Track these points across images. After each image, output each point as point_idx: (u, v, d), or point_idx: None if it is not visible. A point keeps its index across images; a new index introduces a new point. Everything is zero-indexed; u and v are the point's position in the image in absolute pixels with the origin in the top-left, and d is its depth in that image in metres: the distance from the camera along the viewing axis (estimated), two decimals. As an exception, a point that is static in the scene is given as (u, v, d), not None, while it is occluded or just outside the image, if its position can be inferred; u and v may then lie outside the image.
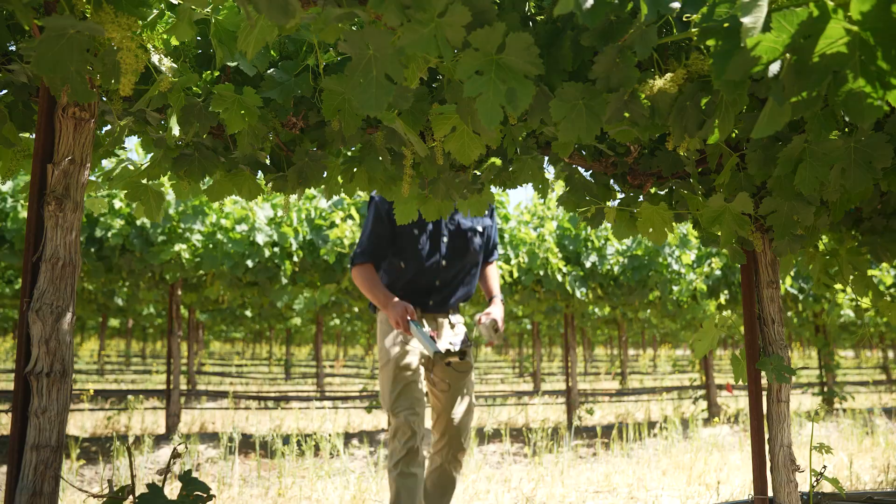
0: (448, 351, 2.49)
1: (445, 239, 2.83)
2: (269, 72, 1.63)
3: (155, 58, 1.49)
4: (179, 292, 6.52)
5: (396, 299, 2.65)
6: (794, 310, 8.98)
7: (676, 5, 1.14)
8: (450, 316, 2.91)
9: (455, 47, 1.16)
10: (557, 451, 5.65)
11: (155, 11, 1.45)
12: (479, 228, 2.91)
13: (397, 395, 2.72)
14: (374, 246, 2.76)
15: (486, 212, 2.66)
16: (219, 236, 5.70)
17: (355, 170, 2.13)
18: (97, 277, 6.09)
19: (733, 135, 1.76)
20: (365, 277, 2.74)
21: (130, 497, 1.43)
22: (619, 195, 2.29)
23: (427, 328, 2.59)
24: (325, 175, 2.10)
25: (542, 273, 6.64)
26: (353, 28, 1.37)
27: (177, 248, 5.51)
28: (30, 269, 1.44)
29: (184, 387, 11.16)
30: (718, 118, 1.34)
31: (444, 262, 2.83)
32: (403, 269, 2.80)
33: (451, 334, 2.77)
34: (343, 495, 4.02)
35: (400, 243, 2.79)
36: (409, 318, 2.59)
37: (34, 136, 1.61)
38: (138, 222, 5.52)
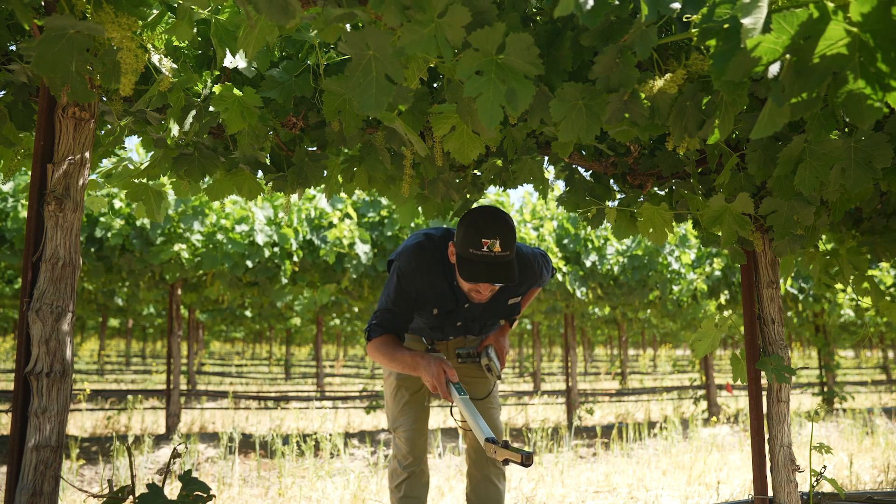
0: (506, 444, 1.89)
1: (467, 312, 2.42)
2: (269, 72, 1.63)
3: (155, 58, 1.49)
4: (179, 292, 6.52)
5: (429, 356, 2.18)
6: (794, 310, 8.98)
7: (677, 6, 1.14)
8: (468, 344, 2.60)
9: (455, 47, 1.16)
10: (557, 451, 5.65)
11: (155, 11, 1.45)
12: (518, 295, 2.47)
13: (399, 410, 2.52)
14: (390, 316, 2.32)
15: (539, 272, 2.45)
16: (219, 236, 5.70)
17: (355, 170, 2.13)
18: (97, 277, 6.10)
19: (733, 135, 1.76)
20: (383, 348, 2.28)
21: (130, 497, 1.43)
22: (619, 195, 2.29)
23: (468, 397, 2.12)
24: (325, 175, 2.10)
25: (542, 273, 6.62)
26: (353, 28, 1.37)
27: (177, 248, 5.51)
28: (30, 269, 1.44)
29: (184, 387, 11.16)
30: (718, 118, 1.34)
31: (459, 324, 2.47)
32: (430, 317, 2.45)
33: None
34: (343, 495, 4.02)
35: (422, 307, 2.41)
36: (448, 380, 2.14)
37: (34, 135, 1.61)
38: (138, 222, 5.52)
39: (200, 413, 8.10)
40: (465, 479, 2.71)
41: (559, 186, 9.30)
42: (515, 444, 6.18)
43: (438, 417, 7.59)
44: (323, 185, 2.15)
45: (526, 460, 1.79)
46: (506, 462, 1.89)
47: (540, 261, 2.50)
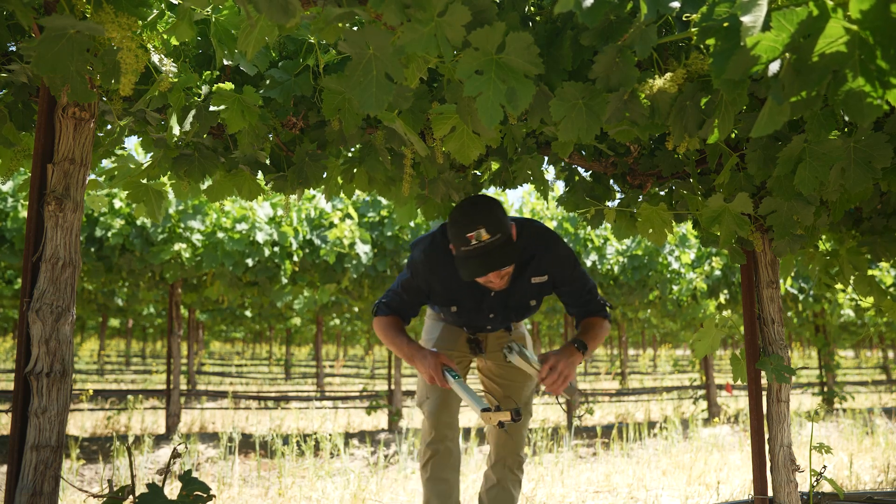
0: (498, 408, 2.08)
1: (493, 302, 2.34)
2: (269, 71, 1.63)
3: (155, 58, 1.49)
4: (179, 292, 6.52)
5: (425, 349, 2.25)
6: (794, 310, 8.98)
7: (676, 5, 1.14)
8: (512, 339, 2.45)
9: (455, 47, 1.16)
10: (557, 450, 5.65)
11: (155, 11, 1.45)
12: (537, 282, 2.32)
13: (426, 386, 2.47)
14: (399, 300, 2.35)
15: (553, 242, 2.27)
16: (219, 235, 5.71)
17: (355, 170, 2.13)
18: (97, 277, 6.09)
19: (733, 135, 1.76)
20: (385, 328, 2.34)
21: (130, 497, 1.43)
22: (619, 195, 2.29)
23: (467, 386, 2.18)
24: (325, 175, 2.10)
25: (542, 273, 6.62)
26: (353, 28, 1.37)
27: (177, 247, 5.51)
28: (30, 269, 1.44)
29: (184, 387, 11.16)
30: (718, 118, 1.34)
31: (492, 315, 2.39)
32: (454, 312, 2.42)
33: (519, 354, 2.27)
34: (343, 495, 4.02)
35: (445, 298, 2.36)
36: (443, 369, 2.19)
37: (34, 135, 1.61)
38: (138, 222, 5.52)
39: (200, 413, 8.09)
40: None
41: (559, 186, 9.30)
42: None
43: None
44: (323, 186, 2.15)
45: (515, 416, 2.03)
46: (501, 424, 2.06)
47: (556, 239, 2.31)
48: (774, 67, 0.99)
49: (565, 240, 6.95)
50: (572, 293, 2.35)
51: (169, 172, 1.96)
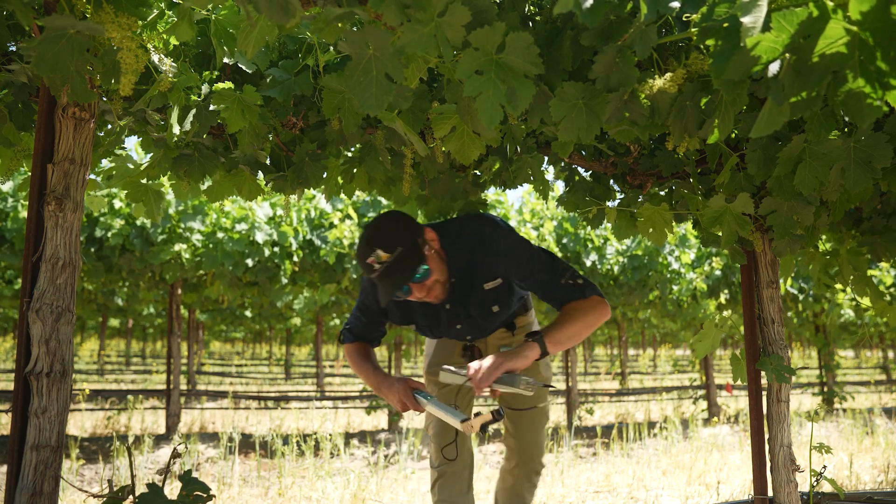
0: (478, 414, 1.96)
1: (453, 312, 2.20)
2: (269, 71, 1.64)
3: (155, 58, 1.49)
4: (179, 292, 6.52)
5: (392, 377, 2.15)
6: (794, 310, 8.98)
7: (676, 5, 1.14)
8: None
9: (455, 47, 1.16)
10: (557, 450, 5.65)
11: (155, 11, 1.45)
12: (491, 285, 2.15)
13: (427, 414, 2.34)
14: (360, 324, 2.29)
15: (491, 237, 2.07)
16: (219, 235, 5.71)
17: (355, 170, 2.13)
18: (97, 277, 6.09)
19: (733, 135, 1.76)
20: (352, 357, 2.30)
21: (130, 497, 1.43)
22: (619, 195, 2.29)
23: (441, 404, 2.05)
24: (325, 175, 2.10)
25: (542, 273, 6.62)
26: (353, 28, 1.37)
27: (177, 247, 5.51)
28: (30, 269, 1.44)
29: (184, 387, 11.16)
30: (718, 118, 1.34)
31: (459, 326, 2.26)
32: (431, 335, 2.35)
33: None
34: (343, 495, 4.02)
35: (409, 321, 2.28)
36: (413, 392, 2.08)
37: (34, 135, 1.61)
38: (138, 222, 5.52)
39: (200, 413, 8.09)
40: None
41: (559, 186, 9.30)
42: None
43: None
44: (323, 186, 2.15)
45: (497, 415, 1.92)
46: (484, 428, 1.93)
47: (494, 235, 2.09)
48: (774, 68, 0.99)
49: (564, 241, 6.90)
50: (540, 285, 2.11)
51: (169, 172, 1.96)
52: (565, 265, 2.13)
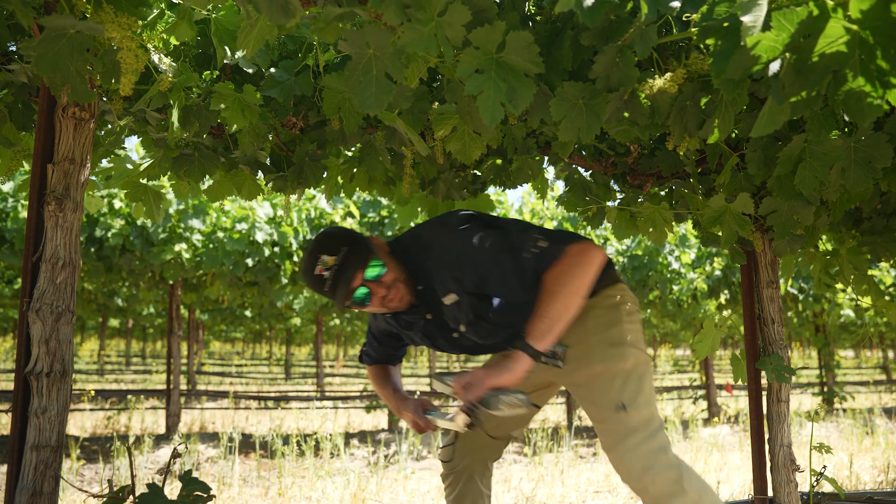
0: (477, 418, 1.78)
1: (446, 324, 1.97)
2: (269, 71, 1.63)
3: (155, 57, 1.49)
4: (179, 292, 6.52)
5: (409, 399, 2.06)
6: (794, 310, 8.98)
7: (676, 4, 1.14)
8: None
9: (455, 46, 1.16)
10: (557, 450, 5.65)
11: (155, 11, 1.45)
12: (456, 290, 1.84)
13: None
14: (377, 345, 2.22)
15: (456, 265, 1.80)
16: (219, 234, 5.71)
17: (355, 170, 2.13)
18: (97, 277, 6.10)
19: (733, 135, 1.76)
20: (374, 380, 2.26)
21: (130, 497, 1.43)
22: (619, 195, 2.29)
23: (449, 413, 1.90)
24: (325, 175, 2.10)
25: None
26: (354, 27, 1.37)
27: (177, 247, 5.51)
28: (30, 269, 1.44)
29: (184, 387, 11.16)
30: (718, 118, 1.34)
31: (472, 337, 2.00)
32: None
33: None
34: (343, 495, 4.02)
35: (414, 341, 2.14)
36: (424, 412, 1.98)
37: (34, 135, 1.61)
38: (138, 222, 5.52)
39: (200, 413, 8.09)
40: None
41: (559, 186, 9.30)
42: (515, 444, 6.20)
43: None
44: (323, 186, 2.15)
45: (475, 421, 1.74)
46: (472, 426, 1.75)
47: (438, 237, 1.87)
48: (774, 67, 0.99)
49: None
50: (514, 290, 1.80)
51: (169, 172, 1.96)
52: (523, 236, 1.78)
